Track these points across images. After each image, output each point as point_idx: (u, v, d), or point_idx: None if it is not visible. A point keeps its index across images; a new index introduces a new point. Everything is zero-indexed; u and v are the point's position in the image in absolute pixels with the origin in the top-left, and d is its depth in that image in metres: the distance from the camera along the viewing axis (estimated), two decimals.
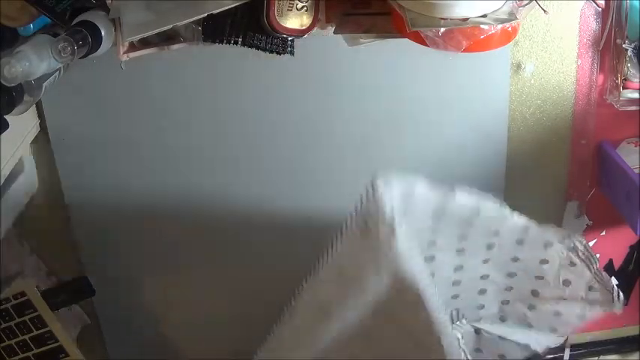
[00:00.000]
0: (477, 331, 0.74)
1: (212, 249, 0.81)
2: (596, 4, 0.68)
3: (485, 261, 0.67)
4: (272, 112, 0.74)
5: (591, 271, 0.65)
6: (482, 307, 0.72)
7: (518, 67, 0.72)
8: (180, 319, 0.85)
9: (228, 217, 0.79)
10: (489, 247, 0.65)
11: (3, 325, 0.78)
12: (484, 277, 0.69)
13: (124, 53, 0.65)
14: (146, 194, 0.77)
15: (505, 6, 0.58)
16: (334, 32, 0.67)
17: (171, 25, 0.61)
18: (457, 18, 0.57)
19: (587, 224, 0.80)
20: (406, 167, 0.76)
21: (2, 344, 0.79)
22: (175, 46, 0.67)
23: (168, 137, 0.74)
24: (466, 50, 0.59)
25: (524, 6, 0.59)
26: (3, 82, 0.52)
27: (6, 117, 0.58)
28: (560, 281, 0.67)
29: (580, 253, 0.65)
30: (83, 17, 0.59)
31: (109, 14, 0.60)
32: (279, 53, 0.66)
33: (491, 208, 0.61)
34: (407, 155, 0.77)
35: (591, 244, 0.81)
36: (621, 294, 0.67)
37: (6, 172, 0.68)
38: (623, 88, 0.70)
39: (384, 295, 0.57)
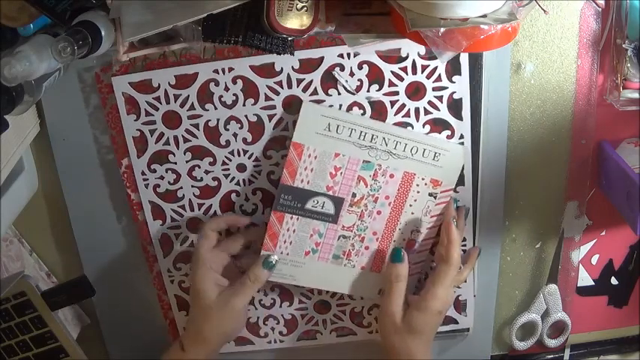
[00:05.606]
0: None
1: None
2: (596, 4, 0.68)
3: None
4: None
5: None
6: None
7: (518, 67, 0.71)
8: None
9: None
10: None
11: (3, 325, 0.78)
12: None
13: (124, 53, 0.65)
14: None
15: (505, 6, 0.58)
16: (334, 32, 0.67)
17: (172, 25, 0.61)
18: (457, 18, 0.57)
19: (587, 224, 0.80)
20: None
21: (2, 344, 0.79)
22: (175, 46, 0.67)
23: None
24: (466, 50, 0.59)
25: (524, 6, 0.59)
26: (3, 82, 0.52)
27: (6, 117, 0.58)
28: None
29: None
30: (83, 17, 0.59)
31: (109, 14, 0.60)
32: (278, 53, 0.66)
33: None
34: None
35: (591, 244, 0.81)
36: None
37: (6, 172, 0.68)
38: (623, 88, 0.70)
39: None
